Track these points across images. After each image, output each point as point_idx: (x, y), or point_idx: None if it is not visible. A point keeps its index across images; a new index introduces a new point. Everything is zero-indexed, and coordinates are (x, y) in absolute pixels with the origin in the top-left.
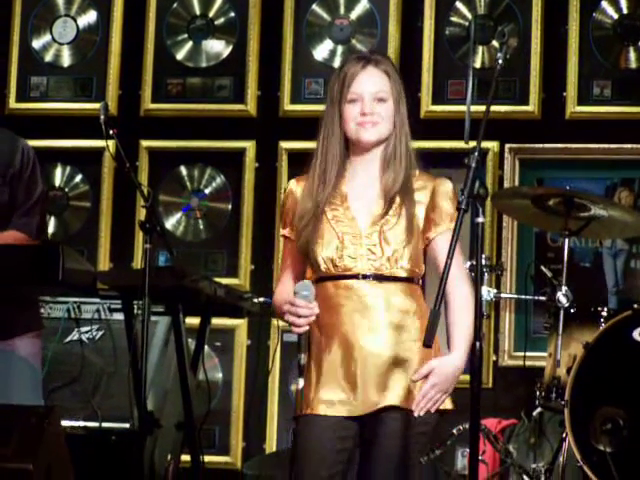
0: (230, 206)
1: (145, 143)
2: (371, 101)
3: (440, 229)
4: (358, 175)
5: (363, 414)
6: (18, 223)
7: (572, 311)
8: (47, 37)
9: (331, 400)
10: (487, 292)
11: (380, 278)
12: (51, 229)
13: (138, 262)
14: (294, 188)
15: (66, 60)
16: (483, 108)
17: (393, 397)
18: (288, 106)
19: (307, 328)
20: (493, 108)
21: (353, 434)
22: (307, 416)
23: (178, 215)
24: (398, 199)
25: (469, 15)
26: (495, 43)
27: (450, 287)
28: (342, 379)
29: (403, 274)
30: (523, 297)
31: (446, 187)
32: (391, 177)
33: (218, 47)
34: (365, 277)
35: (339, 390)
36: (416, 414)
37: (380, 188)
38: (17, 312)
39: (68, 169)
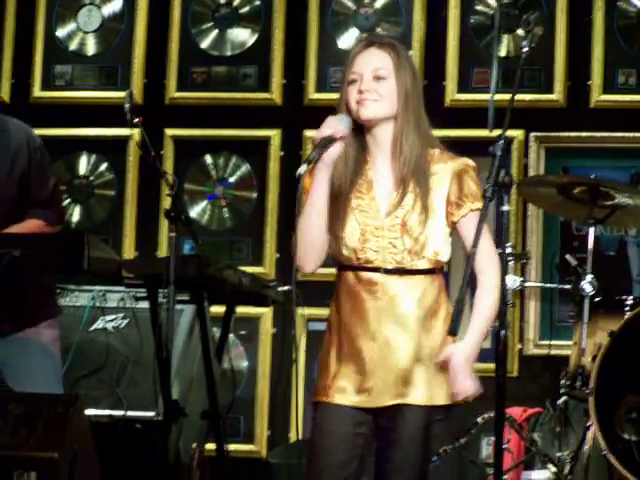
0: (255, 195)
1: (170, 132)
2: (369, 79)
3: (463, 211)
4: (377, 158)
5: (381, 406)
6: (37, 213)
7: (597, 300)
8: (72, 25)
9: (349, 389)
10: (512, 281)
11: (401, 272)
12: (76, 217)
13: (163, 250)
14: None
15: (91, 49)
16: (508, 97)
17: (416, 395)
18: (313, 95)
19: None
20: (518, 97)
21: (369, 420)
22: (324, 403)
23: (203, 203)
24: (413, 186)
25: (494, 3)
26: (520, 32)
27: (479, 266)
28: (361, 370)
29: (425, 265)
30: (548, 286)
31: (466, 167)
32: (401, 160)
33: (243, 35)
34: (387, 271)
35: (358, 380)
36: (459, 398)
37: (392, 175)
38: (35, 300)
39: (93, 157)
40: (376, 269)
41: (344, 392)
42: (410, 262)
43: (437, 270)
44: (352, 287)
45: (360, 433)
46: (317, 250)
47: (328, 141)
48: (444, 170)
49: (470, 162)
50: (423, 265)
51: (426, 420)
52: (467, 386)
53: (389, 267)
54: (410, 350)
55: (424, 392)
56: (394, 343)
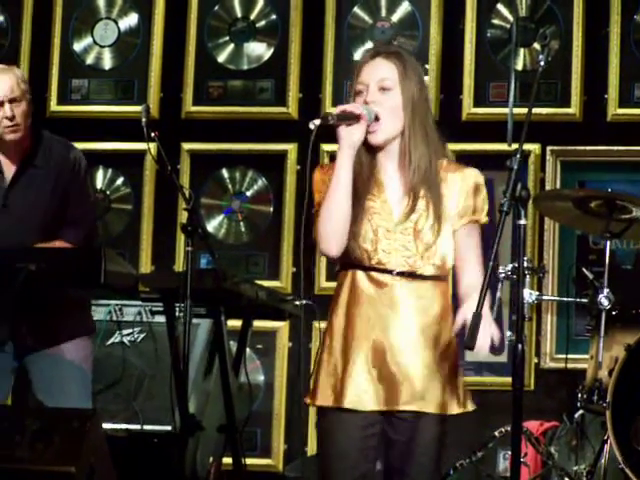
0: (271, 208)
1: (186, 146)
2: (375, 90)
3: (463, 221)
4: (387, 165)
5: (390, 410)
6: (65, 233)
7: (614, 313)
8: (88, 40)
9: (362, 394)
10: (529, 294)
11: (413, 276)
12: None
13: (180, 264)
14: (320, 173)
15: (107, 63)
16: (524, 110)
17: (428, 403)
18: (330, 108)
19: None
20: (535, 110)
21: (379, 430)
22: (333, 411)
23: (220, 218)
24: (424, 192)
25: (510, 17)
26: (537, 45)
27: (467, 290)
28: (370, 374)
29: (433, 272)
30: (565, 299)
31: (473, 178)
32: (411, 170)
33: (259, 49)
34: (399, 274)
35: (366, 384)
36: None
37: (402, 182)
38: (67, 316)
39: (110, 172)
40: (388, 271)
41: (356, 397)
42: (422, 267)
43: (443, 277)
44: (362, 288)
45: (372, 434)
46: (344, 234)
47: (348, 116)
48: (453, 179)
49: (479, 173)
50: (431, 271)
51: (440, 429)
52: (482, 342)
53: (401, 269)
54: (420, 355)
55: (437, 400)
56: (404, 347)
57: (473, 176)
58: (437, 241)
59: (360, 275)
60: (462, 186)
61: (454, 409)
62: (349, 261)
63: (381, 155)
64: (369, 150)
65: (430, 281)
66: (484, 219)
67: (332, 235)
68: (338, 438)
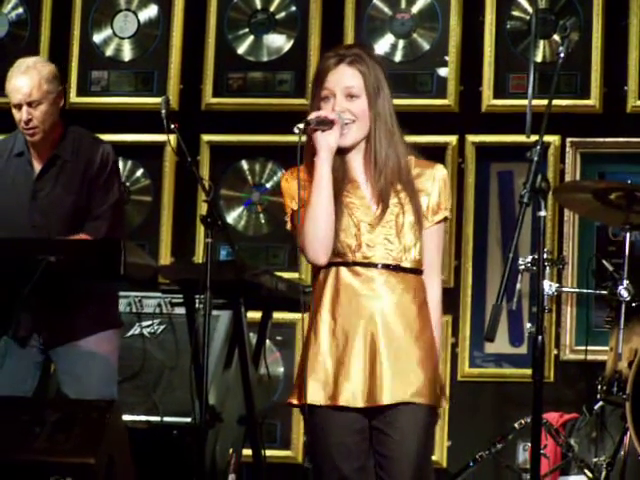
0: None
1: (206, 137)
2: (342, 99)
3: (437, 217)
4: (357, 166)
5: (380, 405)
6: (88, 226)
7: (633, 305)
8: (108, 31)
9: (350, 391)
10: (549, 286)
11: (397, 269)
12: None
13: (199, 256)
14: (290, 179)
15: (127, 54)
16: (544, 102)
17: (415, 393)
18: None
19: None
20: (554, 102)
21: (368, 424)
22: (325, 409)
23: (239, 209)
24: (400, 189)
25: (530, 9)
26: (556, 37)
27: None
28: (362, 370)
29: (415, 265)
30: (584, 291)
31: (442, 174)
32: (377, 172)
33: (279, 41)
34: (383, 267)
35: (357, 381)
36: None
37: (373, 182)
38: (92, 309)
39: (129, 163)
40: (373, 265)
41: (349, 394)
42: (404, 260)
43: (421, 270)
44: (347, 283)
45: (364, 428)
46: (330, 240)
47: (324, 121)
48: (426, 175)
49: (444, 169)
50: (413, 264)
51: (427, 419)
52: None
53: (385, 262)
54: (407, 349)
55: (424, 391)
56: (391, 341)
57: (442, 172)
58: (415, 235)
59: (344, 271)
60: (434, 182)
61: (441, 402)
62: (332, 257)
63: (350, 157)
64: (338, 152)
65: (412, 274)
66: (450, 215)
67: (320, 242)
68: (330, 434)
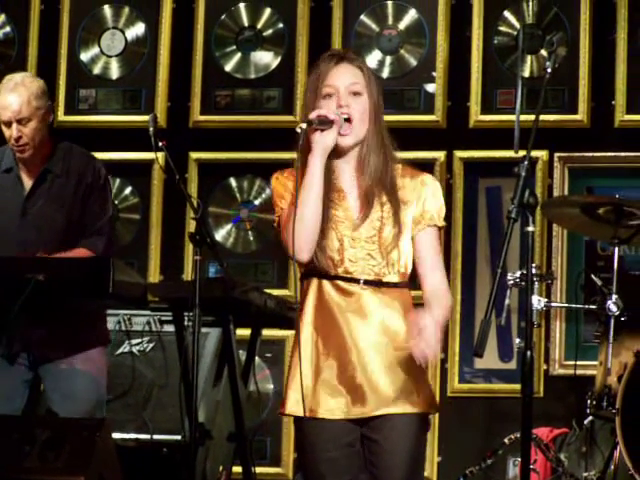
0: None
1: (194, 155)
2: (346, 95)
3: (420, 226)
4: (343, 170)
5: (368, 416)
6: (87, 242)
7: (622, 319)
8: (95, 49)
9: (333, 403)
10: (537, 301)
11: (380, 284)
12: None
13: (188, 274)
14: (282, 178)
15: (114, 72)
16: (532, 117)
17: (404, 402)
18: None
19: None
20: (542, 117)
21: (358, 436)
22: (310, 421)
23: (228, 226)
24: (385, 199)
25: (517, 24)
26: (544, 52)
27: (422, 282)
28: (343, 382)
29: (398, 279)
30: (573, 306)
31: (431, 183)
32: (367, 175)
33: (267, 58)
34: (366, 282)
35: (341, 393)
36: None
37: (360, 188)
38: (81, 327)
39: (118, 181)
40: (355, 280)
41: (331, 407)
42: (387, 275)
43: (406, 284)
44: (329, 297)
45: (353, 441)
46: (315, 238)
47: (324, 121)
48: (412, 185)
49: (435, 178)
50: (396, 279)
51: (416, 429)
52: (427, 353)
53: (367, 278)
54: (389, 363)
55: (413, 400)
56: (373, 355)
57: (430, 181)
58: (400, 248)
59: (326, 284)
60: (421, 192)
61: (430, 409)
62: (314, 269)
63: (339, 160)
64: (328, 159)
65: (395, 289)
66: (442, 223)
67: (305, 240)
68: (317, 448)
